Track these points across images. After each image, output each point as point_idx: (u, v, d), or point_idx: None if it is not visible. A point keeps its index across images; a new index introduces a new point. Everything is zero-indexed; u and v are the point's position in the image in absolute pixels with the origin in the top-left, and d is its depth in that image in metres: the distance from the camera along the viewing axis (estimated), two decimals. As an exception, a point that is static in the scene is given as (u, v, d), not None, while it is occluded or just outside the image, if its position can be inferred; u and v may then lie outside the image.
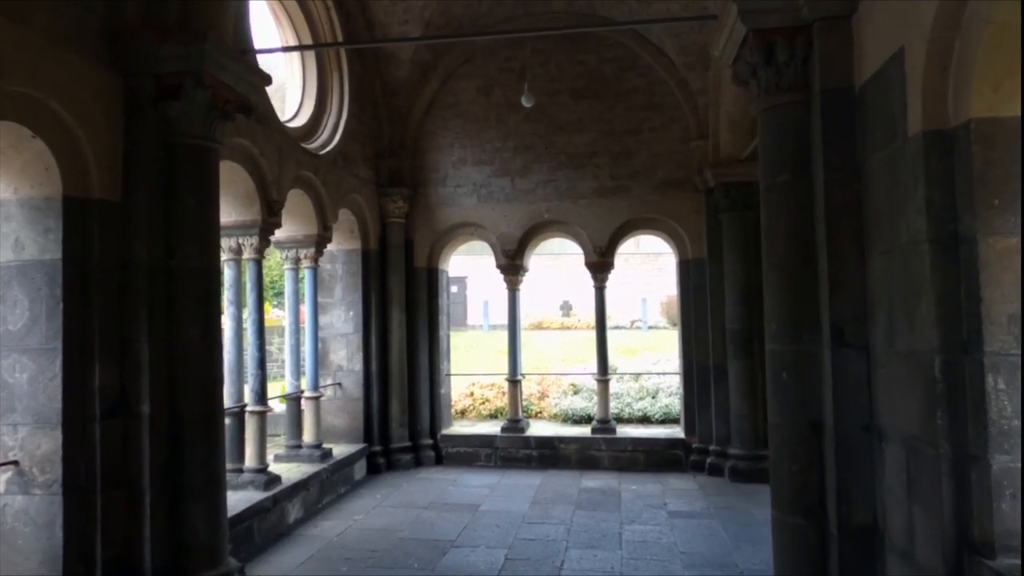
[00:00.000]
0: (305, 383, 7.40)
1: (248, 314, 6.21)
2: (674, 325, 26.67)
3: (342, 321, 8.36)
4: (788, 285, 3.76)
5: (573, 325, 26.45)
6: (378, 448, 8.31)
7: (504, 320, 8.54)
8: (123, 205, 4.07)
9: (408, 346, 8.74)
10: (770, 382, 3.90)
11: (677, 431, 8.77)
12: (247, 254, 6.11)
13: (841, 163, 3.54)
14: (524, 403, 12.50)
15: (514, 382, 8.86)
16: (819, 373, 3.61)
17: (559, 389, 13.15)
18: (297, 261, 7.32)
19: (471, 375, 13.76)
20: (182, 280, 4.25)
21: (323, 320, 8.40)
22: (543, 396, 13.39)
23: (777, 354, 3.80)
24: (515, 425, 8.72)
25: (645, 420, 11.85)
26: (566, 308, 28.70)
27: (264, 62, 5.52)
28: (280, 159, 6.24)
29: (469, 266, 30.37)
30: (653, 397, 12.19)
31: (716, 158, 7.91)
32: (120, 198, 4.06)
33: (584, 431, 8.75)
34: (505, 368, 9.19)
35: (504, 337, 9.24)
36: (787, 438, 3.72)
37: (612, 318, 27.27)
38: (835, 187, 3.54)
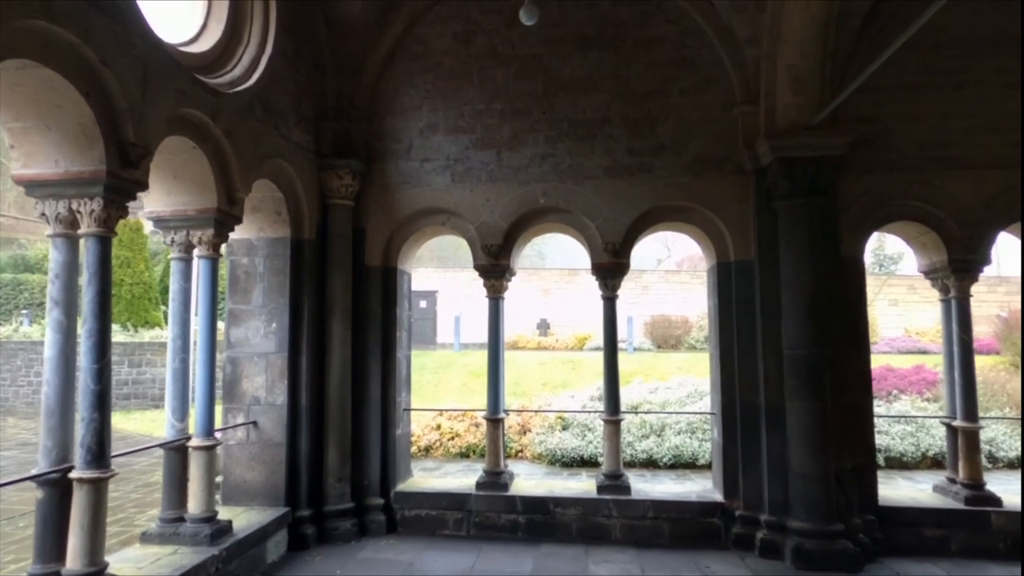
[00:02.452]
0: (194, 424, 5.10)
1: (84, 321, 3.93)
2: (659, 347, 24.86)
3: (261, 336, 6.10)
4: None
5: (551, 345, 24.40)
6: (306, 512, 6.02)
7: (478, 338, 6.57)
8: None
9: (354, 372, 6.51)
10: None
11: (708, 488, 6.64)
12: (86, 226, 3.85)
13: None
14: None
15: (495, 421, 6.65)
16: None
17: (544, 422, 11.00)
18: (188, 248, 5.06)
19: (438, 409, 11.50)
20: None
21: (235, 334, 6.13)
22: (524, 430, 11.21)
23: None
24: (495, 480, 6.50)
25: (651, 464, 9.77)
26: (543, 327, 26.62)
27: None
28: (145, 80, 4.02)
29: (439, 279, 28.21)
30: (659, 435, 10.13)
31: (772, 127, 5.92)
32: None
33: (586, 488, 6.57)
34: (478, 396, 7.03)
35: (478, 357, 7.09)
36: None
37: (593, 338, 25.28)
38: None
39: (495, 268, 6.66)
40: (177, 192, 4.95)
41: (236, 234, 6.15)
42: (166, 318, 22.18)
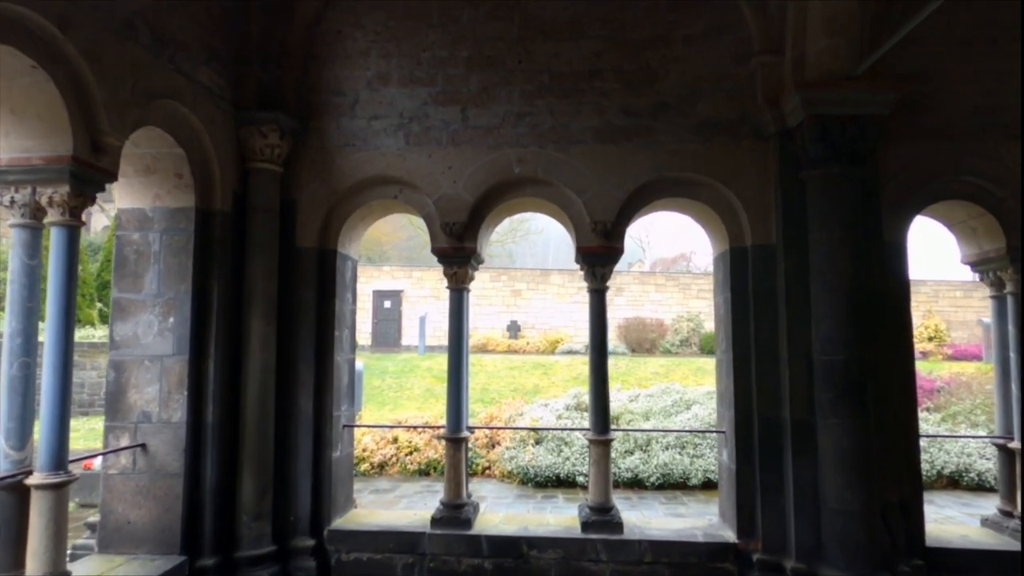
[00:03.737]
0: (38, 454, 3.73)
1: None
2: (633, 351, 23.82)
3: (155, 333, 4.74)
4: None
5: (521, 348, 23.19)
6: (210, 561, 4.67)
7: (445, 341, 5.34)
8: None
9: (279, 380, 5.19)
10: None
11: (714, 522, 5.47)
12: None
13: None
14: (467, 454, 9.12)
15: (456, 441, 5.38)
16: None
17: (515, 434, 9.76)
18: (36, 211, 3.70)
19: (386, 426, 10.13)
20: None
21: (121, 331, 4.77)
22: (493, 444, 9.96)
23: None
24: (456, 514, 5.24)
25: (636, 484, 8.59)
26: (514, 328, 25.40)
27: None
28: (-74, -55, 2.69)
29: (405, 278, 26.82)
30: (644, 451, 8.97)
31: (802, 79, 4.80)
32: None
33: (568, 524, 5.34)
34: (442, 403, 5.79)
35: (443, 360, 5.81)
36: None
37: (565, 341, 24.17)
38: None
39: (458, 253, 5.41)
40: (17, 133, 3.59)
41: (125, 203, 4.84)
42: (102, 317, 20.31)
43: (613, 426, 7.87)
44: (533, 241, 35.18)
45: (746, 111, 5.20)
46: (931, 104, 5.05)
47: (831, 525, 4.54)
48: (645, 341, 23.70)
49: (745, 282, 5.17)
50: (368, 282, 26.54)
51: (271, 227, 5.21)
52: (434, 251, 5.43)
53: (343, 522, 5.40)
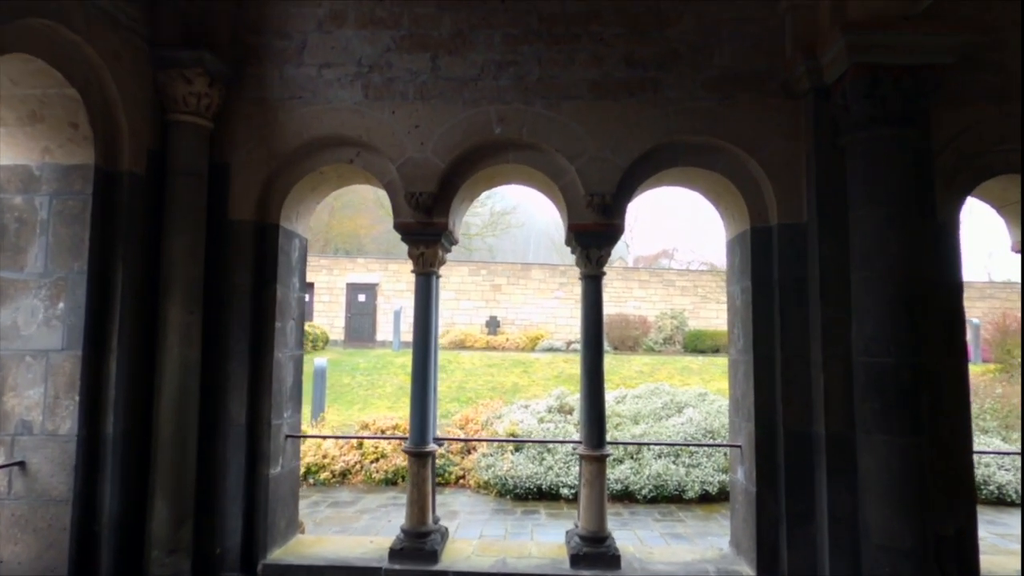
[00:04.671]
0: None
1: None
2: (616, 349, 23.05)
3: (39, 323, 3.77)
4: None
5: (501, 344, 22.28)
6: (106, 610, 3.74)
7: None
8: None
9: (205, 381, 4.24)
10: None
11: (725, 551, 4.64)
12: None
13: None
14: (440, 461, 8.25)
15: (421, 456, 4.49)
16: None
17: (490, 434, 8.88)
18: None
19: (334, 437, 9.12)
20: None
21: (-3, 319, 3.79)
22: (468, 449, 9.07)
23: None
24: (420, 544, 4.33)
25: (627, 497, 7.75)
26: (493, 324, 24.50)
27: None
28: None
29: (381, 271, 25.76)
30: (635, 459, 8.13)
31: (843, 20, 3.96)
32: None
33: (554, 554, 4.47)
34: (407, 407, 4.88)
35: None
36: None
37: (547, 337, 23.30)
38: None
39: (426, 229, 4.50)
40: None
41: (6, 158, 3.88)
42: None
43: (614, 439, 7.02)
44: (514, 235, 34.29)
45: (773, 63, 4.35)
46: (992, 59, 4.24)
47: (875, 565, 3.72)
48: (628, 339, 22.94)
49: (769, 268, 4.33)
50: (342, 274, 25.50)
51: (197, 194, 4.25)
52: (397, 227, 4.51)
53: (283, 554, 4.47)
